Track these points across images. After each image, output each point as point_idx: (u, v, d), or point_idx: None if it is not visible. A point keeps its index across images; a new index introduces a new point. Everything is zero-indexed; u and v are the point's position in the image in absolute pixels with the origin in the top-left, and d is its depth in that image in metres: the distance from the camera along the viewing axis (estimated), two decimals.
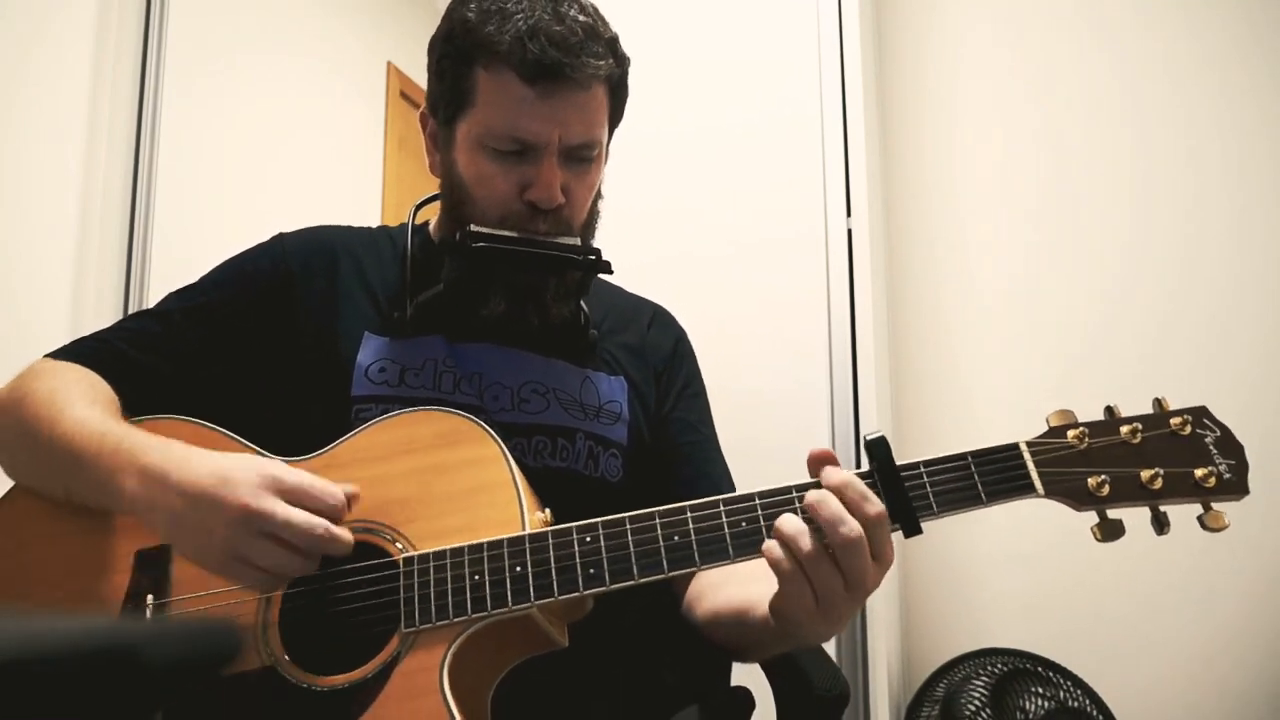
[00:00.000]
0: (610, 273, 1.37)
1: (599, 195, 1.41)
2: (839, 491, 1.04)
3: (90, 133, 2.54)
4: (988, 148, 2.81)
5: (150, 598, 1.13)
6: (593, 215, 1.40)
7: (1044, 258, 2.70)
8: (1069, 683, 2.31)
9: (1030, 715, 2.27)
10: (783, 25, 2.45)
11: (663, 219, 2.44)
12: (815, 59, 2.41)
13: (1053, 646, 2.39)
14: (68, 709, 0.41)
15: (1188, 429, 1.03)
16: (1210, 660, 2.38)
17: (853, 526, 1.01)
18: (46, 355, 1.31)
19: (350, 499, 1.10)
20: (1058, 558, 2.46)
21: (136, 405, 1.27)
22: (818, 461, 1.07)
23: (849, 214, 2.35)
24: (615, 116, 1.40)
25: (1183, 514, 1.02)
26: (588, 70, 1.26)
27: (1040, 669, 2.35)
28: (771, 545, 1.03)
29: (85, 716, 0.42)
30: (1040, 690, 2.31)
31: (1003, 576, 2.58)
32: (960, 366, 2.73)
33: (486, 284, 1.33)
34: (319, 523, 1.06)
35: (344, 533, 1.08)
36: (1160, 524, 1.01)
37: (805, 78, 2.41)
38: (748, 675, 1.36)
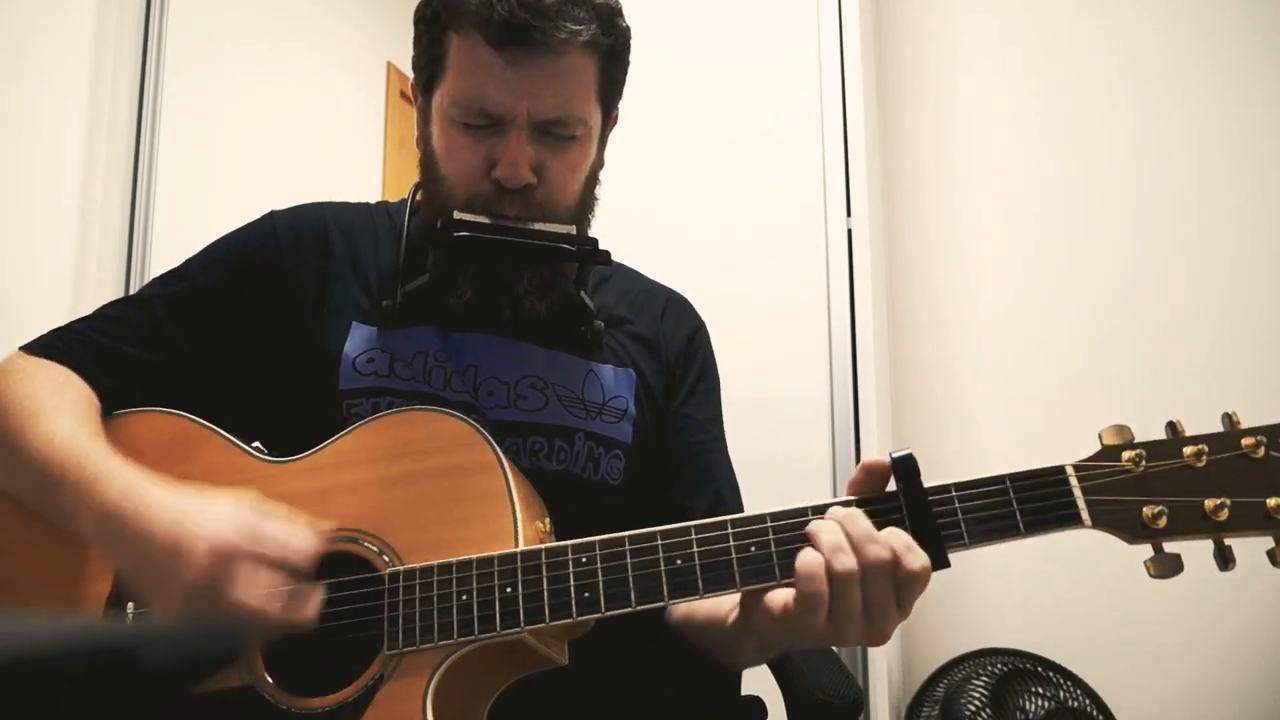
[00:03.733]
0: (608, 264, 1.24)
1: (595, 180, 1.27)
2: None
3: (89, 137, 2.46)
4: (988, 147, 2.73)
5: (131, 605, 1.04)
6: (584, 201, 1.25)
7: (1045, 257, 2.62)
8: (1069, 683, 2.27)
9: (1030, 715, 2.22)
10: (783, 26, 2.38)
11: (662, 219, 2.35)
12: (815, 59, 2.34)
13: (1053, 646, 2.34)
14: (68, 709, 0.39)
15: (1261, 450, 0.88)
16: (1211, 660, 2.32)
17: (882, 547, 0.91)
18: (21, 348, 1.20)
19: (320, 536, 0.99)
20: (1058, 557, 2.39)
21: (117, 399, 1.17)
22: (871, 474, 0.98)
23: (849, 214, 2.28)
24: (609, 93, 1.23)
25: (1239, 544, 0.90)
26: (560, 34, 1.10)
27: (1040, 669, 2.30)
28: (812, 556, 0.92)
29: (85, 717, 0.40)
30: (1040, 690, 2.26)
31: (1003, 577, 2.51)
32: (961, 366, 2.65)
33: (465, 271, 1.20)
34: (277, 599, 0.94)
35: (307, 602, 0.97)
36: (1225, 559, 0.88)
37: (805, 78, 2.34)
38: (758, 682, 1.27)
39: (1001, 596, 2.50)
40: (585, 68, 1.17)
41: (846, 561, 0.91)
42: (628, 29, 1.22)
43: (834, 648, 1.38)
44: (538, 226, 1.18)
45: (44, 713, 0.38)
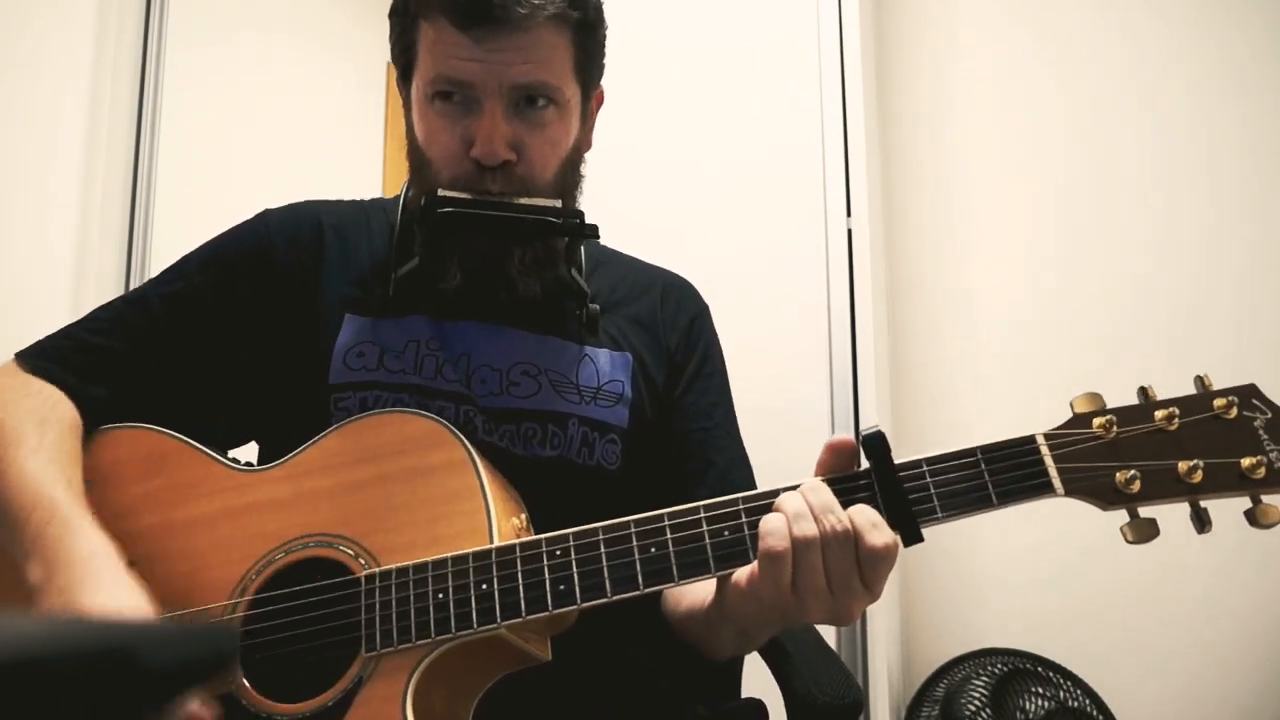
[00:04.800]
0: (595, 237, 1.23)
1: (579, 158, 1.26)
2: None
3: (89, 138, 2.47)
4: (988, 146, 2.71)
5: None
6: (568, 176, 1.24)
7: (1047, 255, 2.60)
8: (1069, 683, 2.24)
9: (1030, 715, 2.20)
10: (783, 25, 2.37)
11: (661, 219, 2.33)
12: (815, 59, 2.33)
13: (1053, 646, 2.31)
14: (65, 710, 0.38)
15: (1233, 411, 0.87)
16: (1212, 660, 2.29)
17: (840, 518, 0.91)
18: (17, 354, 1.19)
19: None
20: (1058, 557, 2.37)
21: (110, 408, 1.16)
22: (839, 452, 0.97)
23: (849, 214, 2.26)
24: (586, 68, 1.23)
25: (1223, 508, 0.87)
26: (522, 9, 1.10)
27: (1040, 669, 2.28)
28: (775, 516, 0.92)
29: (83, 718, 0.39)
30: (1040, 690, 2.24)
31: (1002, 576, 2.48)
32: (962, 366, 2.63)
33: (453, 254, 1.19)
34: None
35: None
36: (1201, 521, 0.86)
37: (805, 77, 2.33)
38: (758, 683, 1.26)
39: (1001, 596, 2.48)
40: (555, 41, 1.16)
41: (807, 528, 0.91)
42: (599, 2, 1.22)
43: (833, 648, 1.37)
44: (522, 201, 1.17)
45: (42, 714, 0.38)
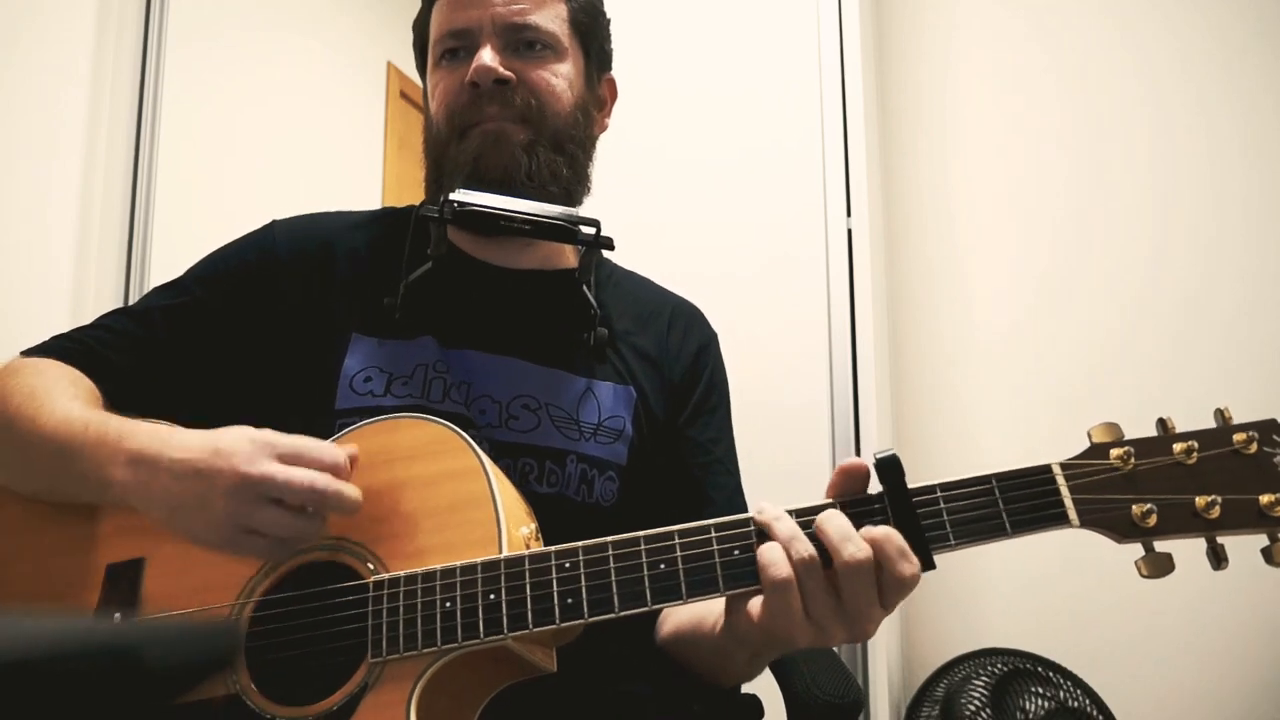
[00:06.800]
0: (611, 249, 1.21)
1: (589, 123, 1.29)
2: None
3: (89, 137, 2.45)
4: (988, 146, 2.69)
5: (117, 616, 1.02)
6: (578, 130, 1.26)
7: (1048, 256, 2.58)
8: (1069, 683, 2.23)
9: (1030, 715, 2.19)
10: (783, 26, 2.34)
11: (660, 220, 2.32)
12: (815, 60, 2.31)
13: (1053, 646, 2.29)
14: (69, 709, 0.39)
15: (1253, 446, 0.84)
16: (1213, 661, 2.28)
17: (860, 546, 0.88)
18: (23, 352, 1.18)
19: (350, 460, 1.00)
20: (1059, 558, 2.36)
21: (113, 406, 1.14)
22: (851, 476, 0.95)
23: (849, 214, 2.24)
24: (587, 29, 1.28)
25: (1239, 543, 0.86)
26: None
27: (1040, 669, 2.26)
28: (772, 546, 0.90)
29: (86, 717, 0.40)
30: (1040, 690, 2.22)
31: (1003, 577, 2.47)
32: (963, 368, 2.60)
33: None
34: (320, 478, 0.95)
35: (349, 488, 0.97)
36: (1218, 558, 0.85)
37: (805, 77, 2.31)
38: (758, 682, 1.24)
39: (1001, 596, 2.46)
40: None
41: (801, 549, 0.90)
42: None
43: (833, 648, 1.36)
44: (538, 205, 1.16)
45: (45, 713, 0.38)
